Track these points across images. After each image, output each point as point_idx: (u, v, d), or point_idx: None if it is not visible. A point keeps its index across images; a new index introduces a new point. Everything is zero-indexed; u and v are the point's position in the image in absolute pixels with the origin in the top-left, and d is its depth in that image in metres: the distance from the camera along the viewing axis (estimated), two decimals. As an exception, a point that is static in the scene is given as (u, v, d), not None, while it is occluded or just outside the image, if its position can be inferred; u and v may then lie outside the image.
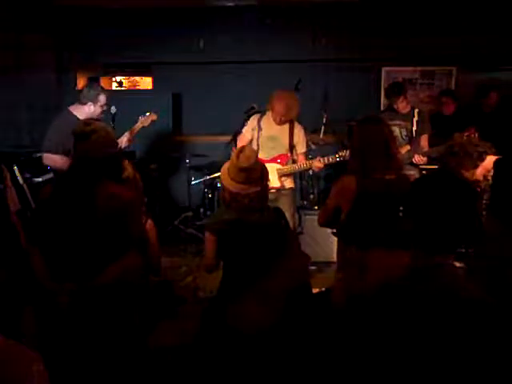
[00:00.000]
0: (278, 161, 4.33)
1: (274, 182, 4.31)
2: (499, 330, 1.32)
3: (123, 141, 4.37)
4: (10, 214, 2.98)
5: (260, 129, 4.32)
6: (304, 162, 4.34)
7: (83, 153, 2.44)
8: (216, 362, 1.51)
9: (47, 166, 4.12)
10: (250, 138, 4.37)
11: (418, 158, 4.59)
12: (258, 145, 4.35)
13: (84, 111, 4.11)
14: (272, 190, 4.33)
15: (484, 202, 2.71)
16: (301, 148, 4.38)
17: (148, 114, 4.57)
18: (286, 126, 4.30)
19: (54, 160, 3.95)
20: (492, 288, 1.93)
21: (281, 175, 4.33)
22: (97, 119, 4.10)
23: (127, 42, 6.36)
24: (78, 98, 4.18)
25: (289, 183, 4.43)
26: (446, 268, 1.42)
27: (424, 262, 1.43)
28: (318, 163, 4.26)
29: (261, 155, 4.33)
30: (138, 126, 4.49)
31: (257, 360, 1.49)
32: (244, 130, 4.44)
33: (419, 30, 6.05)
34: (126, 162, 3.01)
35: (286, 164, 4.34)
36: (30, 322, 2.30)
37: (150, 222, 2.92)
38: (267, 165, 4.33)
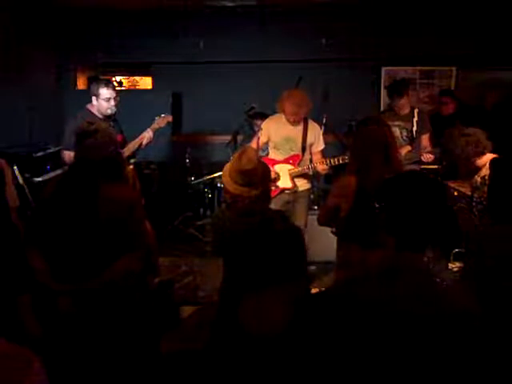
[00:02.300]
0: (290, 161, 4.33)
1: (286, 182, 4.31)
2: (472, 331, 1.31)
3: (145, 137, 4.29)
4: (10, 210, 2.98)
5: (273, 130, 4.31)
6: (310, 164, 4.33)
7: (84, 153, 2.44)
8: (230, 367, 1.50)
9: (65, 162, 4.09)
10: (265, 140, 4.35)
11: (426, 156, 4.59)
12: (274, 147, 4.34)
13: (94, 106, 4.09)
14: (287, 191, 4.35)
15: (474, 200, 2.72)
16: (316, 147, 4.36)
17: (163, 115, 4.50)
18: (301, 126, 4.29)
19: (71, 156, 3.87)
20: (487, 286, 1.93)
21: (293, 176, 4.33)
22: (109, 116, 4.10)
23: (127, 42, 6.36)
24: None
25: (305, 184, 4.44)
26: (415, 266, 1.42)
27: (394, 259, 1.43)
28: (321, 166, 4.26)
29: (279, 157, 4.34)
30: (155, 126, 4.41)
31: (270, 361, 1.48)
32: (260, 134, 4.37)
33: (419, 30, 6.05)
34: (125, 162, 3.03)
35: (299, 165, 4.34)
36: (27, 310, 2.29)
37: (146, 222, 2.93)
38: (280, 165, 4.40)
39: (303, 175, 4.38)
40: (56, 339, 2.31)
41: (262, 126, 4.38)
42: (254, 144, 4.32)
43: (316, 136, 4.35)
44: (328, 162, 4.24)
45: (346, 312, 1.38)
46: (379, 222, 1.49)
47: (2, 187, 2.84)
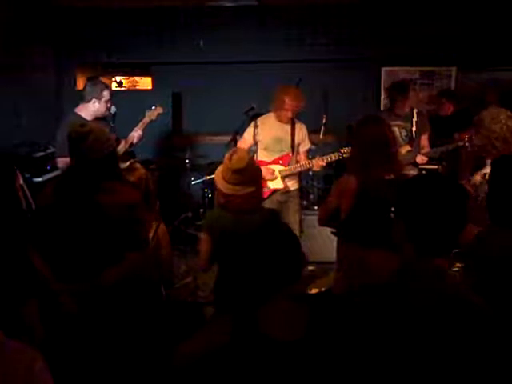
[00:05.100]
0: (280, 162, 4.32)
1: (277, 183, 4.31)
2: (489, 332, 1.32)
3: (135, 136, 4.32)
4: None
5: (263, 131, 4.29)
6: (305, 161, 4.34)
7: (82, 154, 2.44)
8: (250, 373, 1.50)
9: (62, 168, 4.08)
10: (251, 141, 4.34)
11: (419, 158, 4.59)
12: (264, 148, 4.33)
13: (89, 109, 4.01)
14: (278, 192, 4.34)
15: (478, 199, 2.72)
16: (303, 146, 4.37)
17: (154, 107, 4.50)
18: (288, 126, 4.29)
19: (67, 162, 3.86)
20: (485, 287, 1.93)
21: (284, 176, 4.32)
22: (102, 118, 4.11)
23: (127, 42, 6.36)
24: (82, 97, 4.08)
25: (295, 184, 4.43)
26: (437, 270, 1.41)
27: (415, 264, 1.42)
28: (319, 162, 4.24)
29: (268, 158, 4.33)
30: (146, 120, 4.41)
31: (290, 367, 1.49)
32: (245, 134, 4.40)
33: (419, 30, 6.05)
34: (138, 164, 3.01)
35: (289, 164, 4.32)
36: (33, 315, 2.29)
37: (161, 226, 2.92)
38: (270, 166, 4.38)
39: (292, 175, 4.37)
40: (58, 339, 2.31)
41: (250, 127, 4.36)
42: (241, 144, 4.31)
43: (303, 135, 4.36)
44: (326, 159, 4.23)
45: (367, 317, 1.38)
46: (395, 226, 1.47)
47: (13, 187, 2.84)
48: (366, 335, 1.38)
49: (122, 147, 4.25)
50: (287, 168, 4.30)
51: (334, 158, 4.20)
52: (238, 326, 1.57)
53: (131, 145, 4.37)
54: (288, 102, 4.13)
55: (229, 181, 2.68)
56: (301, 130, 4.33)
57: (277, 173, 4.29)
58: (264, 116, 4.38)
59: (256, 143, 4.33)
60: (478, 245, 2.12)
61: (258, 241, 2.56)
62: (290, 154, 4.31)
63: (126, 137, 4.38)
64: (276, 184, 4.30)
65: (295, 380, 1.46)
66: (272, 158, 4.30)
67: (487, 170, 2.83)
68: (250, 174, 2.70)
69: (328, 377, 1.42)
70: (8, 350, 1.18)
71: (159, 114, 4.56)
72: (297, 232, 4.28)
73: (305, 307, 1.61)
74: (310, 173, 5.38)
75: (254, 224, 2.67)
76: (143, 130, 4.39)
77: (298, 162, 4.34)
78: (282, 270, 1.69)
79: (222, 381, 1.50)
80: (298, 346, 1.49)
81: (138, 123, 4.42)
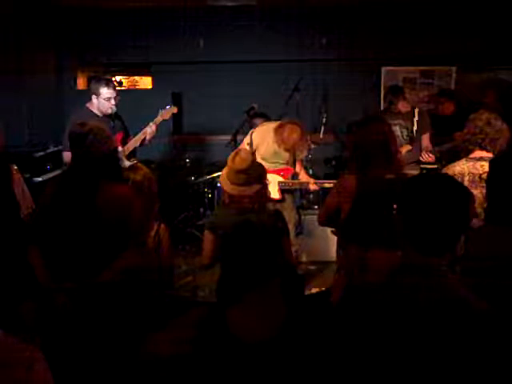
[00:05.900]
0: (282, 173, 4.33)
1: (274, 193, 4.31)
2: (488, 333, 1.32)
3: (148, 132, 4.31)
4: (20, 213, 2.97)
5: (263, 145, 4.27)
6: (305, 179, 4.36)
7: (82, 154, 2.44)
8: (216, 373, 1.49)
9: (66, 163, 4.09)
10: (249, 150, 4.33)
11: (426, 156, 4.60)
12: (261, 158, 4.31)
13: (94, 105, 4.09)
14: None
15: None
16: (299, 154, 4.37)
17: (168, 106, 4.52)
18: None
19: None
20: (484, 288, 1.93)
21: (281, 188, 4.32)
22: (109, 114, 4.10)
23: (127, 42, 6.36)
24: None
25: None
26: (438, 270, 1.41)
27: (415, 263, 1.42)
28: (312, 186, 4.31)
29: (266, 166, 4.32)
30: (159, 119, 4.42)
31: (259, 369, 1.48)
32: (244, 142, 4.38)
33: (419, 30, 6.05)
34: (139, 164, 3.00)
35: (288, 178, 4.34)
36: (29, 317, 2.30)
37: (162, 226, 2.92)
38: (270, 175, 4.35)
39: (286, 188, 4.37)
40: (55, 339, 2.31)
41: (252, 136, 4.32)
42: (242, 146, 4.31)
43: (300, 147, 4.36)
44: (320, 185, 4.30)
45: (363, 317, 1.38)
46: (396, 224, 1.46)
47: (8, 185, 2.82)
48: (361, 335, 1.38)
49: (130, 145, 4.24)
50: (287, 181, 4.31)
51: (326, 186, 4.23)
52: (205, 324, 1.56)
53: (143, 141, 4.36)
54: (285, 143, 4.07)
55: (233, 181, 2.70)
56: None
57: (276, 183, 4.29)
58: (267, 126, 4.31)
59: (254, 152, 4.32)
60: (476, 243, 2.12)
61: (262, 241, 2.56)
62: (292, 169, 4.33)
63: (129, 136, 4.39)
64: (272, 194, 4.31)
65: (265, 380, 1.45)
66: (270, 169, 4.30)
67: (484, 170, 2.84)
68: (254, 173, 2.71)
69: (319, 375, 1.42)
70: (7, 347, 1.18)
71: (173, 114, 4.57)
72: (292, 231, 4.30)
73: (281, 305, 1.60)
74: (310, 172, 5.37)
75: (258, 224, 2.68)
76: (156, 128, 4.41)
77: (297, 173, 4.37)
78: (266, 268, 1.70)
79: (188, 379, 1.49)
80: (270, 345, 1.48)
81: (149, 121, 4.41)
